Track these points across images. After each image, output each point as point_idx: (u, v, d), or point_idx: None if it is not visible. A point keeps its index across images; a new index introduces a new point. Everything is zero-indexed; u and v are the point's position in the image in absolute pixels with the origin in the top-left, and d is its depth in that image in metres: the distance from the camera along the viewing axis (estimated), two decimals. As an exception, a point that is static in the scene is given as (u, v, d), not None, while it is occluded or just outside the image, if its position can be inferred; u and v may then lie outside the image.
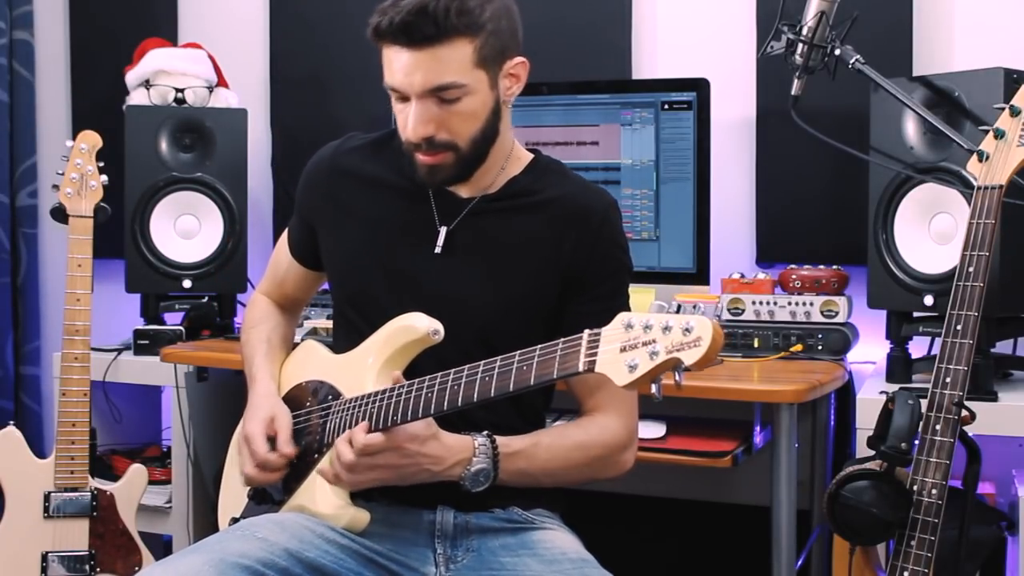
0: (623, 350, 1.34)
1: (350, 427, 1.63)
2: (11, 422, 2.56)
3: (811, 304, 2.33)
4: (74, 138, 2.53)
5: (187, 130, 2.89)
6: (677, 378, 1.33)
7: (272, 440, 1.73)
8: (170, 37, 3.19)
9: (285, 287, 1.99)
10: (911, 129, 2.17)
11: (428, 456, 1.60)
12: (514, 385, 1.47)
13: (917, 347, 2.30)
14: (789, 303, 2.35)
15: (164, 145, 2.86)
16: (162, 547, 2.83)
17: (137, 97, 2.95)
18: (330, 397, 1.74)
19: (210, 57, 3.02)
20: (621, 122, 2.54)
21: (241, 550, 1.53)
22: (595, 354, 1.37)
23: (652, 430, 2.14)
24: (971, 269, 1.68)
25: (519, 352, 1.47)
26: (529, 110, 2.58)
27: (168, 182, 2.86)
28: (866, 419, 2.01)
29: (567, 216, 1.75)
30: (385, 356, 1.68)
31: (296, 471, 1.73)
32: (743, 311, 2.38)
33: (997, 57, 2.19)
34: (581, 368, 1.39)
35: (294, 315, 2.05)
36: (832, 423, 2.50)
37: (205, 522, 2.61)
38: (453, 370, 1.54)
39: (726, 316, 2.39)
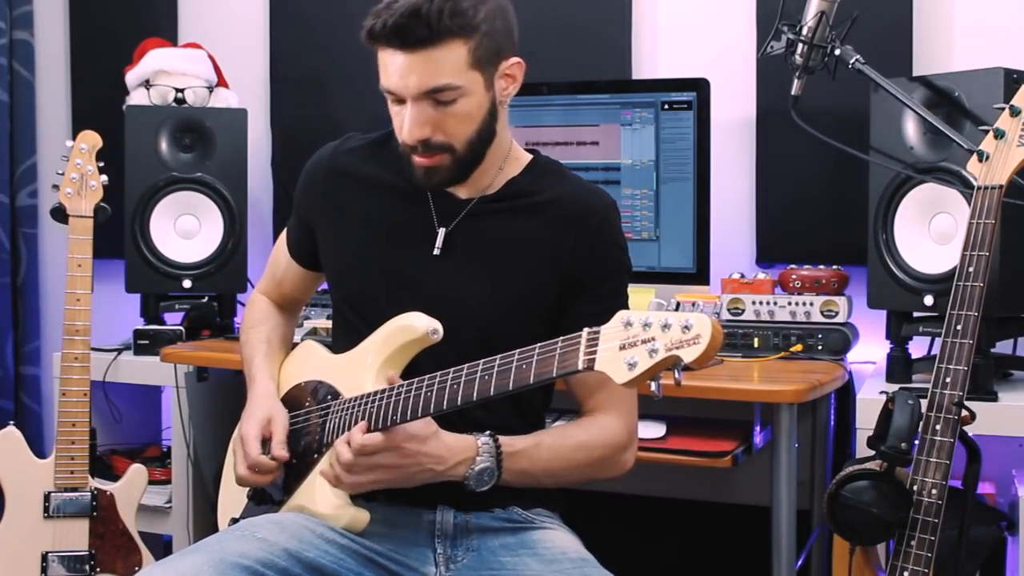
0: (622, 348, 1.34)
1: (349, 427, 1.63)
2: (11, 422, 2.56)
3: (811, 304, 2.33)
4: (74, 138, 2.53)
5: (187, 130, 2.89)
6: (677, 376, 1.33)
7: (268, 441, 1.73)
8: (170, 37, 3.19)
9: (284, 287, 1.99)
10: (911, 129, 2.17)
11: (429, 455, 1.60)
12: (513, 384, 1.47)
13: (917, 347, 2.30)
14: (789, 303, 2.34)
15: (164, 145, 2.86)
16: (162, 547, 2.83)
17: (137, 97, 2.95)
18: (329, 397, 1.74)
19: (210, 57, 3.02)
20: (621, 122, 2.54)
21: (241, 550, 1.53)
22: (594, 352, 1.37)
23: (652, 430, 2.14)
24: (971, 269, 1.68)
25: (518, 351, 1.47)
26: (529, 110, 2.58)
27: (168, 182, 2.86)
28: (866, 419, 2.01)
29: (566, 217, 1.75)
30: (384, 356, 1.68)
31: (295, 471, 1.73)
32: (743, 311, 2.38)
33: (997, 57, 2.19)
34: (580, 366, 1.39)
35: (293, 315, 2.05)
36: (832, 423, 2.50)
37: (205, 522, 2.61)
38: (452, 369, 1.54)
39: (726, 316, 2.39)
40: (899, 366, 2.20)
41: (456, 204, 1.77)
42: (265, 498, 1.77)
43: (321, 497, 1.67)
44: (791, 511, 2.07)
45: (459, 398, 1.52)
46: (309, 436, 1.74)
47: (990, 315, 2.05)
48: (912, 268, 2.16)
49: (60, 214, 2.50)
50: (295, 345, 1.96)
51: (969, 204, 1.72)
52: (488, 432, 1.64)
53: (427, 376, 1.57)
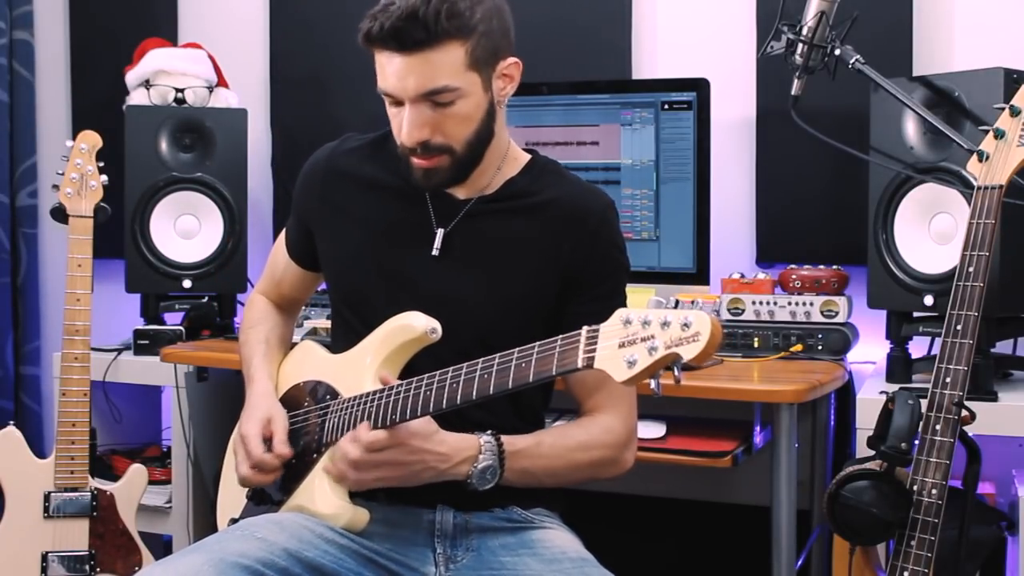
0: (622, 346, 1.34)
1: (349, 427, 1.64)
2: (11, 422, 2.56)
3: (811, 304, 2.33)
4: (74, 138, 2.53)
5: (187, 130, 2.89)
6: (676, 374, 1.33)
7: (268, 441, 1.73)
8: (170, 37, 3.19)
9: (283, 287, 1.99)
10: (911, 129, 2.17)
11: (433, 453, 1.60)
12: (513, 382, 1.46)
13: (917, 347, 2.30)
14: (789, 303, 2.34)
15: (164, 145, 2.86)
16: (162, 547, 2.83)
17: (137, 97, 2.95)
18: (328, 397, 1.74)
19: (210, 57, 3.02)
20: (621, 122, 2.54)
21: (241, 550, 1.53)
22: (594, 350, 1.37)
23: (652, 430, 2.14)
24: (971, 269, 1.68)
25: (518, 349, 1.47)
26: (529, 110, 2.58)
27: (168, 182, 2.86)
28: (866, 419, 2.01)
29: (565, 217, 1.75)
30: (383, 355, 1.68)
31: (295, 471, 1.73)
32: (743, 311, 2.38)
33: (997, 57, 2.19)
34: (580, 364, 1.38)
35: (292, 315, 2.05)
36: (832, 423, 2.50)
37: (205, 522, 2.61)
38: (451, 368, 1.54)
39: (726, 316, 2.39)
40: (899, 366, 2.20)
41: (454, 204, 1.77)
42: (264, 498, 1.77)
43: (321, 497, 1.67)
44: (791, 511, 2.07)
45: (458, 397, 1.52)
46: (308, 436, 1.74)
47: (990, 315, 2.05)
48: (912, 268, 2.16)
49: (60, 214, 2.50)
50: (294, 345, 1.96)
51: (969, 204, 1.72)
52: (490, 431, 1.64)
53: (426, 375, 1.57)
